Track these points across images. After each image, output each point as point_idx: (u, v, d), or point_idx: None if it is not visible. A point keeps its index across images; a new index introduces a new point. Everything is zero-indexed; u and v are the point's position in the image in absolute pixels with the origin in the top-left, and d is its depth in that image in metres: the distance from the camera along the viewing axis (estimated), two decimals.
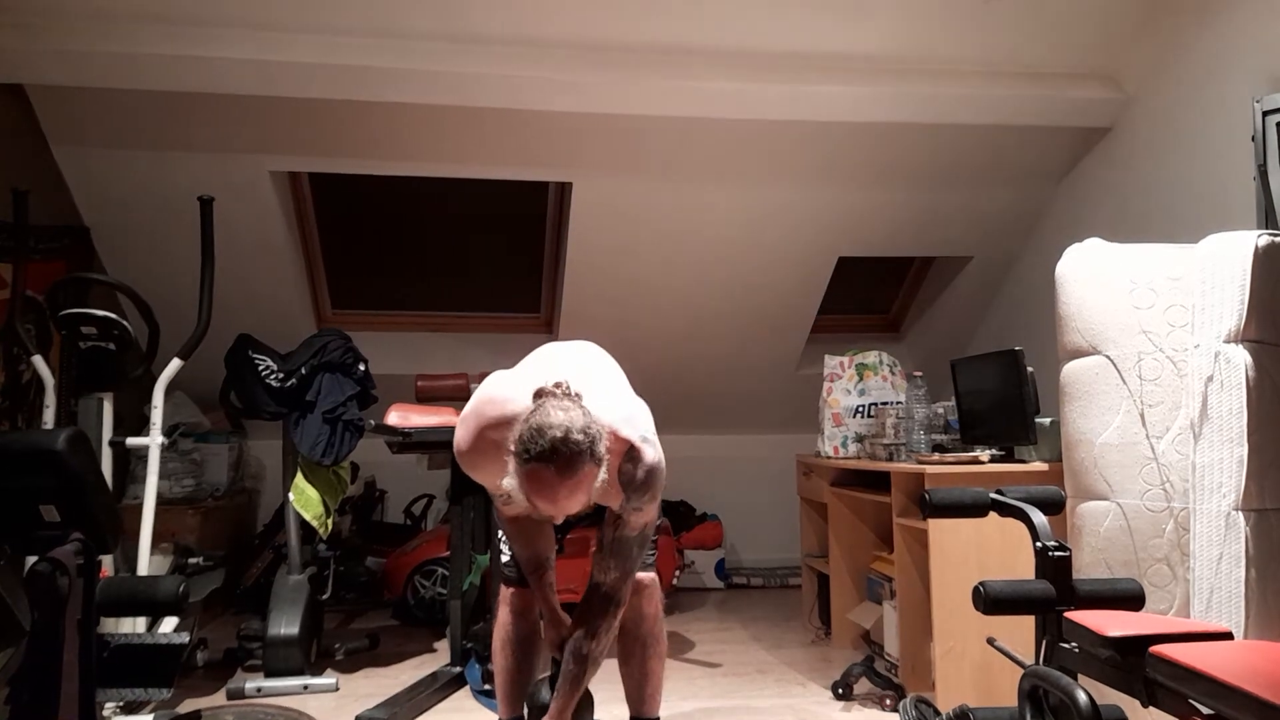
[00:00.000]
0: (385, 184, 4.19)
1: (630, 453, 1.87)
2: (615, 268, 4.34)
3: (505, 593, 2.28)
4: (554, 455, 1.67)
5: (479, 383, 3.67)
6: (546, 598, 2.12)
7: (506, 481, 1.76)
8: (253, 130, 3.59)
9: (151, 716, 2.68)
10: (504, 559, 2.30)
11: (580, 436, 1.70)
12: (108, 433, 2.89)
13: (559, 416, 1.71)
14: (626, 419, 1.90)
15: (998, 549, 2.65)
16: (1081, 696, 1.41)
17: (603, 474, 1.76)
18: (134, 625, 2.72)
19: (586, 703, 2.08)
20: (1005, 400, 2.95)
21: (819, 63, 3.65)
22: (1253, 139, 2.72)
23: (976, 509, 1.89)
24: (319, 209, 4.32)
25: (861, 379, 3.72)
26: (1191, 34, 3.36)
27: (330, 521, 3.54)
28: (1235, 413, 2.08)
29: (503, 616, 2.27)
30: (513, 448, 1.73)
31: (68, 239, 3.84)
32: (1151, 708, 1.54)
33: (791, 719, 2.87)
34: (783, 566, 5.11)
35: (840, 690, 3.01)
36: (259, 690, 3.09)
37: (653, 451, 1.89)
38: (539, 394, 1.79)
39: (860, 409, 3.70)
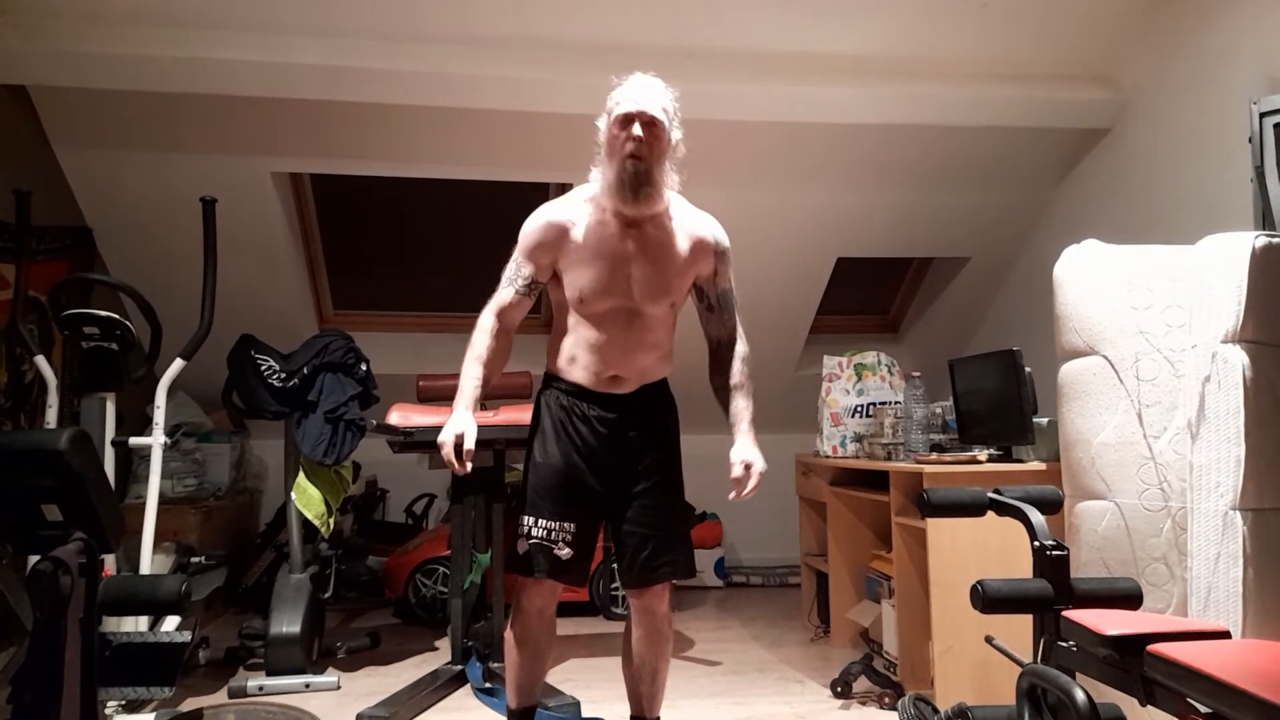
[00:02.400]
0: (387, 185, 4.20)
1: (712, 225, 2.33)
2: None
3: (523, 586, 2.21)
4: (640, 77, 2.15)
5: None
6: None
7: (593, 173, 2.17)
8: (255, 131, 3.60)
9: (153, 715, 2.69)
10: (520, 548, 2.19)
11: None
12: (110, 432, 2.90)
13: None
14: None
15: (996, 548, 2.66)
16: (1080, 695, 1.41)
17: (674, 185, 2.19)
18: (136, 624, 2.72)
19: None
20: (1003, 400, 2.95)
21: (818, 63, 3.65)
22: (1250, 141, 2.73)
23: (975, 508, 1.90)
24: (321, 210, 4.32)
25: (860, 379, 3.73)
26: (1190, 36, 3.36)
27: (332, 521, 3.55)
28: (1232, 413, 2.08)
29: (518, 612, 2.24)
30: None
31: (70, 239, 3.85)
32: (1149, 706, 1.54)
33: (790, 717, 2.88)
34: (782, 565, 5.11)
35: (839, 688, 3.02)
36: (260, 689, 3.09)
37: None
38: None
39: (859, 409, 3.70)
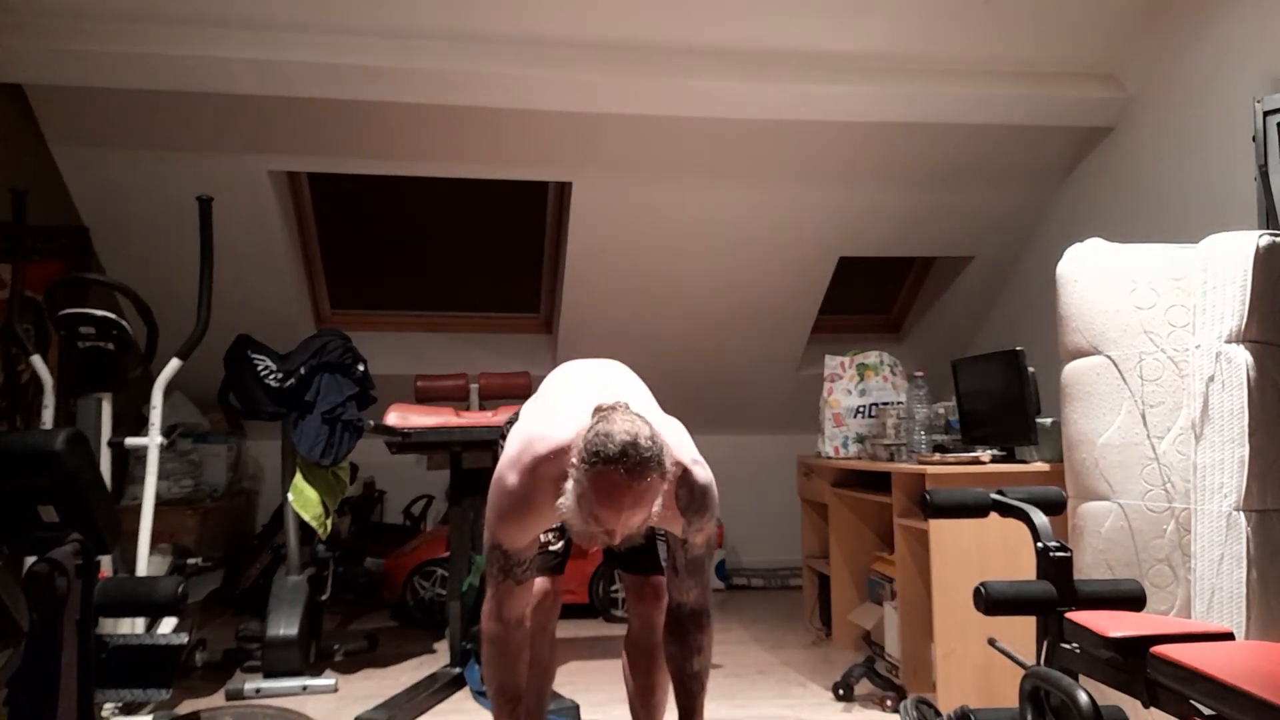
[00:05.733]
0: (385, 183, 4.19)
1: (684, 477, 1.84)
2: (615, 268, 4.34)
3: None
4: (623, 458, 1.63)
5: (478, 382, 3.69)
6: None
7: (563, 501, 1.72)
8: (252, 130, 3.59)
9: (150, 717, 2.68)
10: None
11: (649, 444, 1.66)
12: (106, 433, 2.89)
13: (626, 425, 1.67)
14: (678, 443, 1.85)
15: (999, 550, 2.65)
16: (1083, 697, 1.40)
17: (661, 494, 1.72)
18: (132, 626, 2.72)
19: None
20: (1006, 400, 2.94)
21: (819, 62, 3.64)
22: (1254, 139, 2.72)
23: (977, 509, 1.89)
24: (318, 209, 4.32)
25: (862, 379, 3.72)
26: (1193, 34, 3.36)
27: (329, 522, 3.53)
28: (1236, 413, 2.07)
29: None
30: (575, 459, 1.68)
31: (66, 239, 3.84)
32: (1153, 708, 1.53)
33: None
34: (783, 567, 5.10)
35: (841, 691, 3.01)
36: (258, 691, 3.08)
37: (704, 472, 1.87)
38: (599, 410, 1.74)
39: (861, 409, 3.69)
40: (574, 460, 1.69)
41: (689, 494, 1.84)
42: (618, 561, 2.30)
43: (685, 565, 1.95)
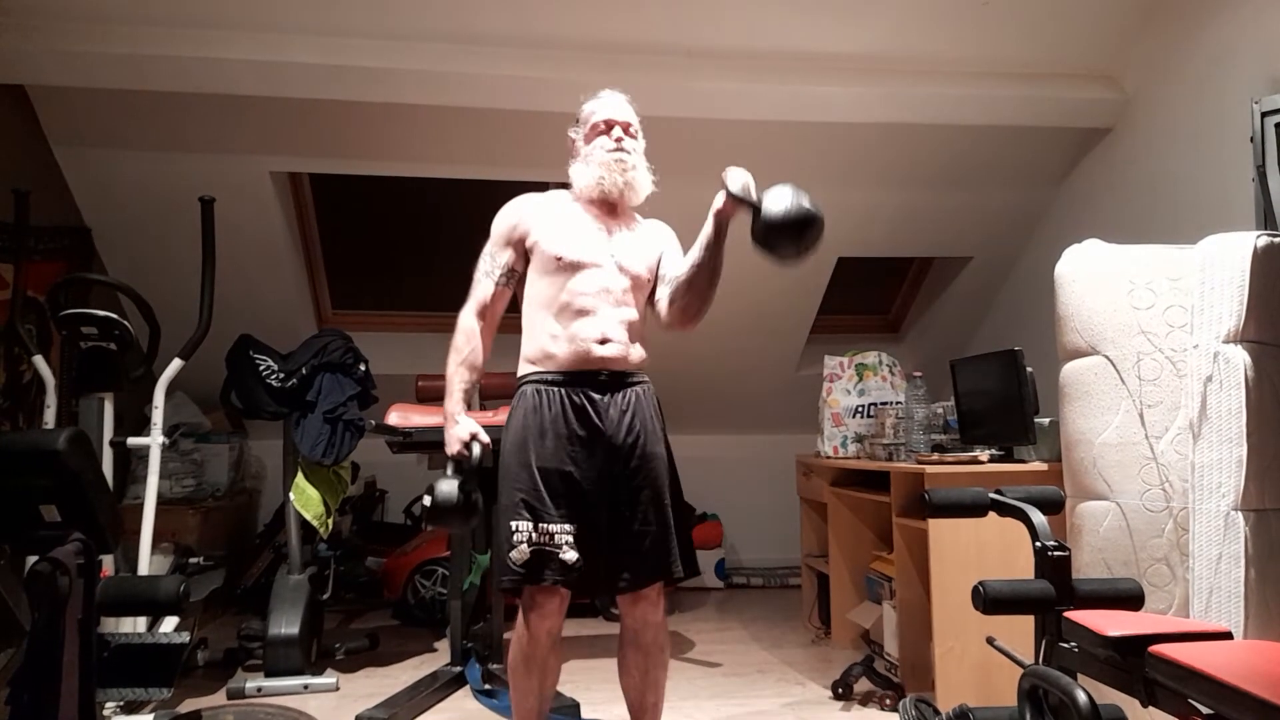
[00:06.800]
0: (386, 184, 4.19)
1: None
2: None
3: (530, 605, 2.05)
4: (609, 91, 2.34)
5: (479, 382, 3.67)
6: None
7: (574, 166, 2.32)
8: (254, 130, 3.60)
9: (152, 716, 2.69)
10: (517, 558, 2.00)
11: None
12: (108, 433, 2.89)
13: None
14: None
15: (997, 549, 2.66)
16: (1081, 696, 1.41)
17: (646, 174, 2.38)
18: (134, 625, 2.72)
19: None
20: (1005, 400, 2.95)
21: (819, 63, 3.65)
22: (1251, 140, 2.72)
23: (976, 509, 1.90)
24: (320, 209, 4.32)
25: (861, 379, 3.73)
26: (1191, 35, 3.36)
27: (330, 521, 3.54)
28: (1234, 413, 2.08)
29: (526, 635, 2.06)
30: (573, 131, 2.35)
31: (68, 239, 3.85)
32: (1151, 707, 1.54)
33: (791, 719, 2.88)
34: (782, 566, 5.11)
35: (840, 690, 3.02)
36: (259, 690, 3.09)
37: None
38: None
39: (860, 409, 3.70)
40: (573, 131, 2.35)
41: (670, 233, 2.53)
42: (611, 585, 2.14)
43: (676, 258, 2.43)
